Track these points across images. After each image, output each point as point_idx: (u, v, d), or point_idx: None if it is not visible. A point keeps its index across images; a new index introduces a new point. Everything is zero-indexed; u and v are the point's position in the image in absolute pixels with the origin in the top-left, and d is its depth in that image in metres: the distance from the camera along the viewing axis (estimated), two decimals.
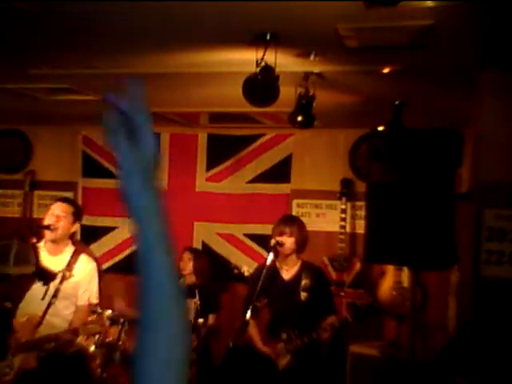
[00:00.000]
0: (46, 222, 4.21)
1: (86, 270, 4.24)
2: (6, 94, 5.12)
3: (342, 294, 5.70)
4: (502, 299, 3.67)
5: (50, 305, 4.04)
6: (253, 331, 4.60)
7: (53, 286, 4.07)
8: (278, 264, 4.66)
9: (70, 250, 4.27)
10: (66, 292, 4.13)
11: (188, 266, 5.67)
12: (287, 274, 4.66)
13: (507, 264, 3.67)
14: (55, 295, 4.07)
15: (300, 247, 4.63)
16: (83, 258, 4.27)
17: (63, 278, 4.10)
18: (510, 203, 3.71)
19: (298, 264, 4.66)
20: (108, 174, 6.85)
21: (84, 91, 4.91)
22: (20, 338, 3.81)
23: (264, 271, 4.40)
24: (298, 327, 4.45)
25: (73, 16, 3.11)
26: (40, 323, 4.00)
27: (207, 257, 6.03)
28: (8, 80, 4.68)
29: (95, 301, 4.25)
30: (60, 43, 3.64)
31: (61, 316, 4.14)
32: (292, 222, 4.75)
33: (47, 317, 4.04)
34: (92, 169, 6.93)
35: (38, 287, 4.06)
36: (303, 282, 4.54)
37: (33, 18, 3.13)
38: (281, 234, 4.55)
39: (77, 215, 4.32)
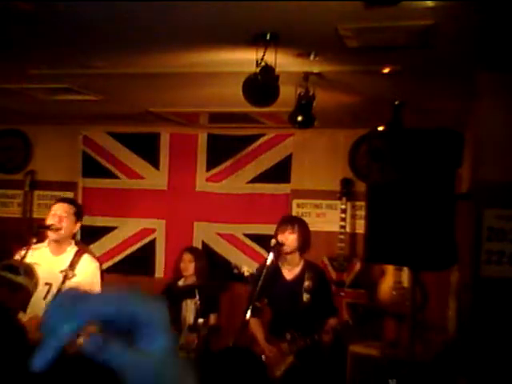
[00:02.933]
0: (49, 222, 4.21)
1: (88, 270, 4.24)
2: (6, 94, 5.13)
3: (342, 294, 5.70)
4: (502, 299, 3.67)
5: None
6: (255, 329, 4.58)
7: (55, 285, 4.07)
8: (280, 264, 4.61)
9: (72, 249, 4.27)
10: None
11: (189, 267, 5.65)
12: (289, 274, 4.62)
13: (507, 264, 3.67)
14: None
15: (302, 246, 4.59)
16: (86, 258, 4.27)
17: (65, 278, 4.10)
18: (510, 203, 3.72)
19: (301, 264, 4.61)
20: (108, 174, 6.86)
21: (84, 91, 4.92)
22: None
23: (264, 271, 4.38)
24: (301, 328, 4.43)
25: (72, 16, 3.11)
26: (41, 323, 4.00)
27: (206, 256, 6.03)
28: (8, 80, 4.68)
29: None
30: (60, 43, 3.64)
31: None
32: (294, 220, 4.76)
33: None
34: (92, 169, 6.92)
35: (40, 287, 4.06)
36: (306, 284, 4.51)
37: (33, 18, 3.13)
38: (283, 232, 4.52)
39: (78, 215, 4.32)
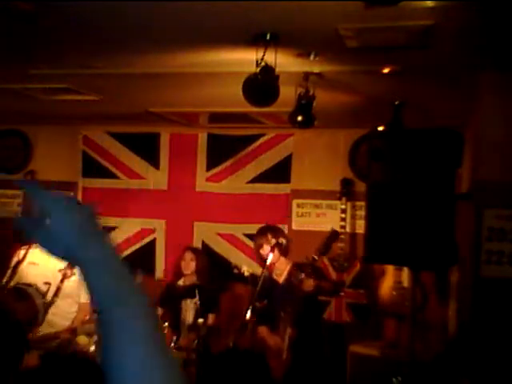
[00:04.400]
0: None
1: None
2: (6, 94, 5.12)
3: (342, 294, 5.70)
4: (502, 299, 3.67)
5: (51, 303, 4.05)
6: (264, 333, 4.72)
7: (54, 284, 4.08)
8: (272, 269, 4.83)
9: None
10: (68, 290, 4.14)
11: (190, 265, 5.65)
12: (280, 278, 4.84)
13: (507, 264, 3.67)
14: (56, 294, 4.08)
15: (282, 251, 4.78)
16: None
17: (64, 277, 4.11)
18: (510, 203, 3.71)
19: (288, 267, 4.82)
20: (108, 174, 6.86)
21: (84, 91, 4.92)
22: None
23: (264, 271, 4.46)
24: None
25: (72, 16, 3.11)
26: (41, 322, 4.01)
27: (207, 256, 6.03)
28: (8, 80, 4.68)
29: None
30: (60, 43, 3.64)
31: (62, 315, 4.15)
32: (264, 231, 4.93)
33: (48, 315, 4.05)
34: (92, 169, 6.92)
35: (39, 286, 4.07)
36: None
37: (33, 18, 3.13)
38: (260, 247, 4.79)
39: None
